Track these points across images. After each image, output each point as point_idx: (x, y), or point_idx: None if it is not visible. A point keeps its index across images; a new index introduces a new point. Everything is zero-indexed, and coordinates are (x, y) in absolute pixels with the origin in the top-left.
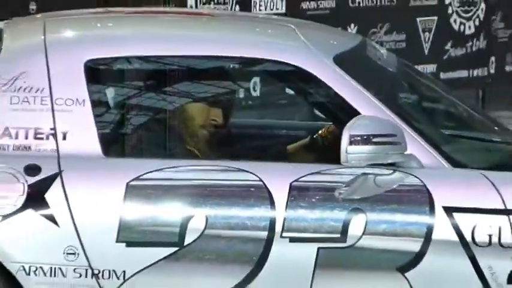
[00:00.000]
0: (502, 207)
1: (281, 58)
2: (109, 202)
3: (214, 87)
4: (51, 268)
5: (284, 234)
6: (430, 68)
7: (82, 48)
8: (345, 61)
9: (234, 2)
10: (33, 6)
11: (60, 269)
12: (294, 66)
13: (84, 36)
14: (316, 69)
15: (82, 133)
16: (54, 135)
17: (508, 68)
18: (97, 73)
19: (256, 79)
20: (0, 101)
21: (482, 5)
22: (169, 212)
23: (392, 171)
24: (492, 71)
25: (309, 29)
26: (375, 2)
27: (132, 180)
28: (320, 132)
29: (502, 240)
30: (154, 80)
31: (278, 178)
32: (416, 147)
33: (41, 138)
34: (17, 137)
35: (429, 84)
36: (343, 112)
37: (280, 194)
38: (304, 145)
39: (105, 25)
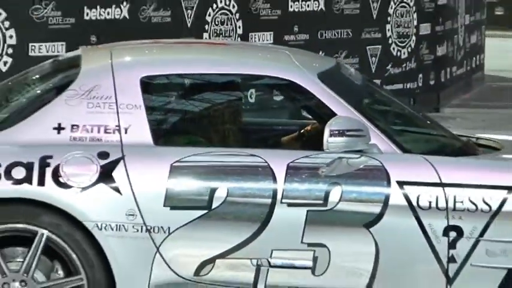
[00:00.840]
0: (438, 181)
1: (279, 75)
2: (158, 178)
3: (231, 96)
4: (116, 225)
5: (283, 201)
6: (376, 82)
7: (138, 68)
8: (325, 77)
9: (237, 35)
10: (93, 38)
11: (123, 225)
12: (288, 80)
13: (138, 60)
14: (304, 83)
15: (138, 129)
16: (119, 130)
17: (431, 82)
18: (148, 86)
19: (261, 90)
20: (80, 106)
21: (413, 38)
22: (201, 184)
23: (359, 155)
24: (420, 84)
25: (298, 54)
26: (337, 35)
27: (175, 162)
28: (306, 128)
29: (439, 205)
30: (188, 90)
31: (278, 160)
32: (376, 138)
33: (109, 133)
34: (92, 132)
35: (383, 93)
36: (324, 113)
37: (280, 172)
38: (294, 137)
39: (153, 52)
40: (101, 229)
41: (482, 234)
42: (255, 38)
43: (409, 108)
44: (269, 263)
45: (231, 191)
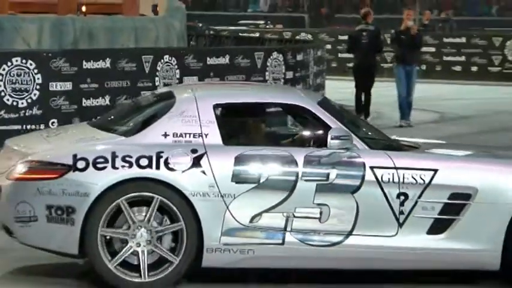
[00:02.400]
0: (393, 166)
1: (294, 103)
2: (227, 165)
3: (266, 115)
4: (202, 193)
5: (302, 178)
6: None
7: (210, 99)
8: (321, 104)
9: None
10: (88, 79)
11: (207, 193)
12: (299, 106)
13: (210, 93)
14: (310, 107)
15: (213, 135)
16: (201, 136)
17: None
18: (218, 109)
19: (283, 112)
20: (178, 122)
21: (283, 80)
22: (253, 168)
23: (346, 150)
24: None
25: (302, 90)
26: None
27: (237, 155)
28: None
29: (394, 180)
30: (240, 112)
31: (298, 153)
32: (355, 141)
33: (196, 137)
34: (185, 137)
35: (350, 113)
36: (322, 126)
37: (300, 160)
38: (306, 139)
39: (218, 88)
40: (193, 196)
41: (419, 197)
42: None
43: (365, 121)
44: (293, 215)
45: (270, 173)
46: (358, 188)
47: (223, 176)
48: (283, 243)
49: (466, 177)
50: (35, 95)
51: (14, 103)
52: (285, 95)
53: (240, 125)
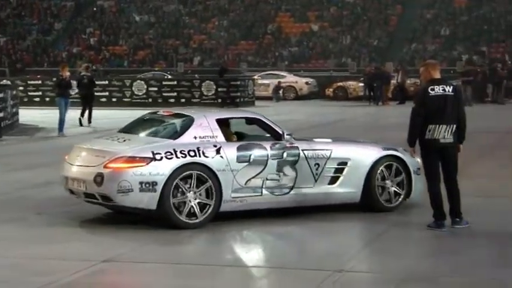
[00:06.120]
0: (311, 148)
1: (256, 116)
2: (232, 152)
3: (245, 124)
4: (221, 168)
5: (270, 158)
6: None
7: (213, 116)
8: (268, 118)
9: None
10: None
11: (224, 169)
12: (258, 119)
13: (213, 114)
14: (265, 119)
15: (220, 136)
16: (213, 138)
17: None
18: (219, 122)
19: (252, 122)
20: (199, 130)
21: None
22: (246, 153)
23: (289, 142)
24: None
25: (259, 113)
26: None
27: (237, 146)
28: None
29: (313, 156)
30: (231, 123)
31: (267, 144)
32: (291, 137)
33: (211, 138)
34: (205, 138)
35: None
36: (275, 132)
37: (268, 148)
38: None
39: (217, 111)
40: (218, 171)
41: (325, 165)
42: None
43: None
44: (266, 178)
45: (254, 155)
46: (296, 161)
47: (232, 158)
48: (261, 194)
49: (345, 152)
50: None
51: None
52: (253, 113)
53: (234, 129)
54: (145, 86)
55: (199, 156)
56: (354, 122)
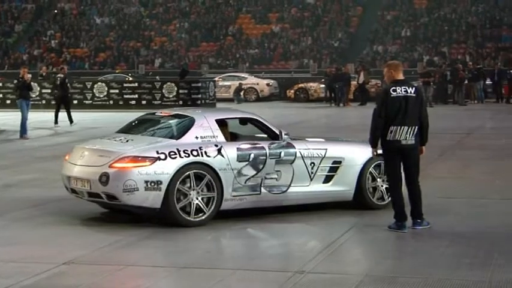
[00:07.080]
0: (307, 148)
1: (252, 116)
2: (232, 152)
3: (241, 123)
4: (223, 168)
5: (269, 157)
6: None
7: (212, 116)
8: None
9: None
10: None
11: (224, 168)
12: (254, 119)
13: (212, 113)
14: (261, 119)
15: (220, 136)
16: (214, 137)
17: None
18: (218, 122)
19: (246, 121)
20: (201, 130)
21: None
22: (245, 152)
23: (286, 142)
24: None
25: (254, 113)
26: None
27: (237, 146)
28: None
29: (308, 155)
30: (229, 123)
31: (265, 144)
32: (288, 139)
33: (213, 138)
34: (206, 138)
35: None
36: (271, 132)
37: (267, 148)
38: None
39: (217, 110)
40: (219, 170)
41: (320, 164)
42: None
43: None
44: (265, 177)
45: (254, 154)
46: (293, 161)
47: (233, 158)
48: (260, 193)
49: (340, 152)
50: None
51: None
52: (248, 113)
53: (232, 130)
54: (107, 88)
55: (202, 155)
56: (317, 123)
